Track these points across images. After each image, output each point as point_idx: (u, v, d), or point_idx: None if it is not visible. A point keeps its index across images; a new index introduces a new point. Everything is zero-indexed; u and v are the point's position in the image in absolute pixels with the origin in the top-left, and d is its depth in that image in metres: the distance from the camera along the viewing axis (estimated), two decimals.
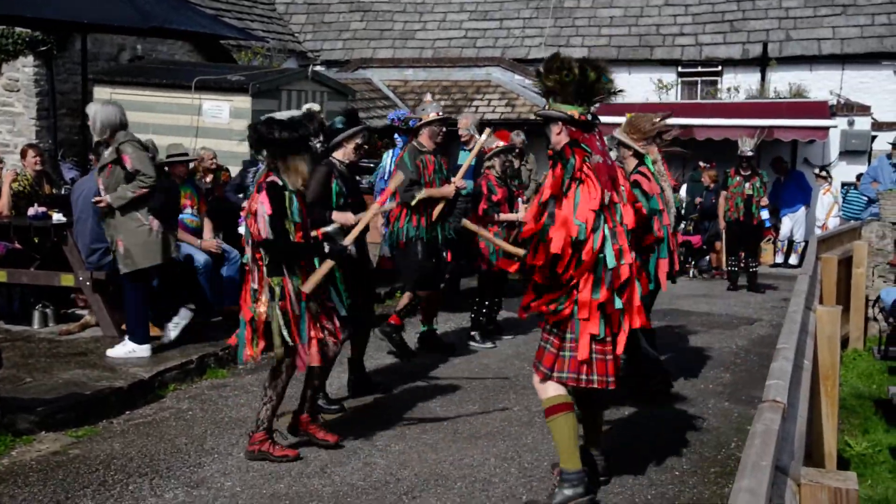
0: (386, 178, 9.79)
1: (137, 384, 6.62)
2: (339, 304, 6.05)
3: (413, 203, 7.55)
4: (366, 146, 6.81)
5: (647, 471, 5.55)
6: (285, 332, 5.27)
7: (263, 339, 5.32)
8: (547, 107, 4.89)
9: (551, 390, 4.84)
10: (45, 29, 11.36)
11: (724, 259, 13.48)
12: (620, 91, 5.02)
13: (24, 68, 12.06)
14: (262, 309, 5.27)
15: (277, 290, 5.26)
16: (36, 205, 8.09)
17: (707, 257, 14.50)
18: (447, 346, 8.28)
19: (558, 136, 4.84)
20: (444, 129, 8.01)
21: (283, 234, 5.23)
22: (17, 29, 11.79)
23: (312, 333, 5.38)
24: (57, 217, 7.80)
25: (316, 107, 10.12)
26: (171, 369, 6.99)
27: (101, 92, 11.50)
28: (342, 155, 6.54)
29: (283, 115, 5.44)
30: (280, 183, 5.29)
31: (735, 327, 10.05)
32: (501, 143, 8.53)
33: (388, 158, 10.35)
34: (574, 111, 4.79)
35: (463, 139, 9.47)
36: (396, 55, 19.07)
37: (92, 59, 12.49)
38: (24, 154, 9.33)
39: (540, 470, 5.48)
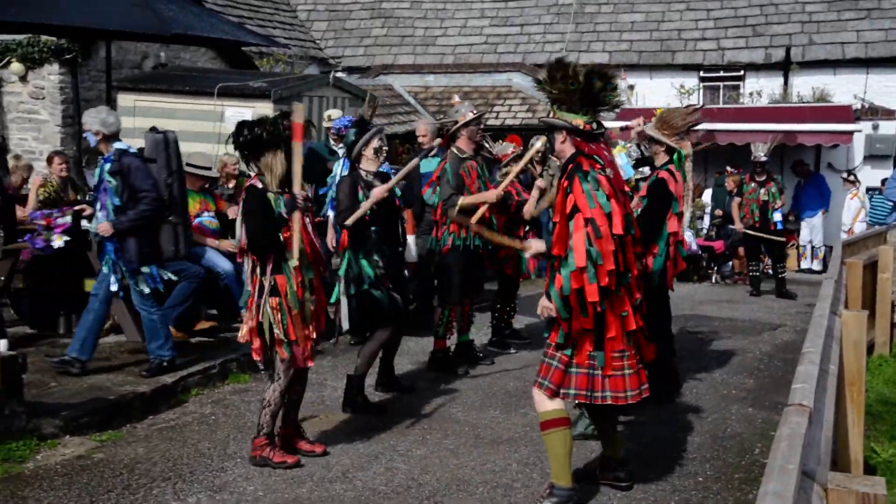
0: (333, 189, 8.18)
1: (160, 389, 6.66)
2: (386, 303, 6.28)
3: (453, 217, 7.32)
4: (386, 149, 6.73)
5: (670, 477, 5.52)
6: (278, 330, 5.25)
7: (259, 338, 5.31)
8: (552, 114, 4.80)
9: (549, 404, 4.77)
10: (70, 36, 11.48)
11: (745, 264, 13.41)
12: (622, 102, 4.99)
13: (50, 76, 12.21)
14: (253, 310, 5.27)
15: (267, 287, 5.26)
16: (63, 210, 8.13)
17: (730, 263, 14.42)
18: (484, 357, 8.15)
19: (562, 145, 4.77)
20: (481, 127, 7.84)
21: (259, 230, 5.18)
22: (43, 37, 11.93)
23: (307, 333, 5.39)
24: (82, 223, 7.83)
25: (337, 112, 10.19)
26: (194, 374, 7.03)
27: (124, 99, 11.60)
28: (366, 164, 6.54)
29: (254, 116, 5.45)
30: (260, 185, 5.30)
31: (758, 332, 9.98)
32: (511, 148, 8.46)
33: (337, 168, 8.63)
34: (579, 120, 4.71)
35: (424, 146, 8.74)
36: (417, 61, 19.11)
37: (116, 66, 12.61)
38: (49, 161, 9.43)
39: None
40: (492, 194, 7.36)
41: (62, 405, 6.10)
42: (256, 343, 5.33)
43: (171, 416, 6.43)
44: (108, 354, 7.33)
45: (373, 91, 15.06)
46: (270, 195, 5.29)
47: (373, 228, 6.42)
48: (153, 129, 7.05)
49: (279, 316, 5.26)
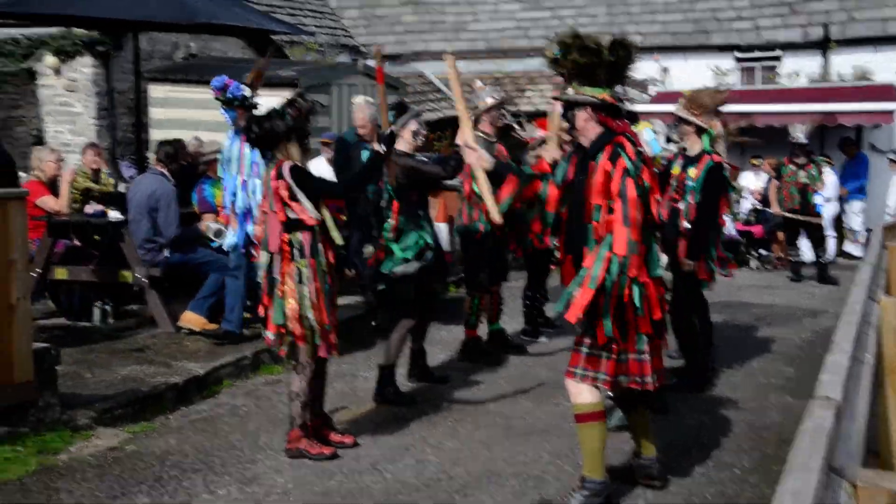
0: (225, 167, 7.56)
1: (192, 380, 6.67)
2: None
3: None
4: (423, 132, 6.67)
5: (706, 468, 5.43)
6: (311, 315, 5.22)
7: (300, 325, 5.27)
8: (570, 90, 4.56)
9: (587, 396, 4.64)
10: (96, 28, 11.54)
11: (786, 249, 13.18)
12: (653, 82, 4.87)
13: (83, 69, 12.30)
14: (290, 299, 5.23)
15: (306, 271, 5.23)
16: (93, 202, 8.20)
17: (769, 248, 14.19)
18: (516, 346, 8.07)
19: (585, 123, 4.55)
20: (504, 112, 7.80)
21: (332, 183, 5.28)
22: (76, 30, 12.01)
23: (333, 320, 5.37)
24: (113, 214, 7.89)
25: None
26: (226, 365, 7.03)
27: (155, 90, 11.65)
28: (404, 146, 6.51)
29: (264, 110, 5.42)
30: (299, 163, 5.31)
31: (798, 319, 9.80)
32: (540, 132, 8.35)
33: (228, 143, 7.62)
34: (604, 94, 4.50)
35: (364, 139, 8.57)
36: (449, 47, 18.95)
37: (147, 57, 12.67)
38: (83, 153, 9.49)
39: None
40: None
41: (96, 397, 6.13)
42: (299, 330, 5.29)
43: (204, 408, 6.45)
44: (142, 345, 7.36)
45: (403, 77, 15.01)
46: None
47: (420, 212, 6.46)
48: None
49: (315, 302, 5.24)
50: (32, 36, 12.23)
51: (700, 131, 6.88)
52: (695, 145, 6.94)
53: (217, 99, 7.39)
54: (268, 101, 10.96)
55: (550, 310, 9.01)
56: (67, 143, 12.16)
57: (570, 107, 4.63)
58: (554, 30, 18.85)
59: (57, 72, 12.29)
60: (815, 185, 12.33)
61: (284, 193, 5.22)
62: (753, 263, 13.85)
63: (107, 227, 7.86)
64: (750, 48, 17.46)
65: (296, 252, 5.24)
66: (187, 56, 13.51)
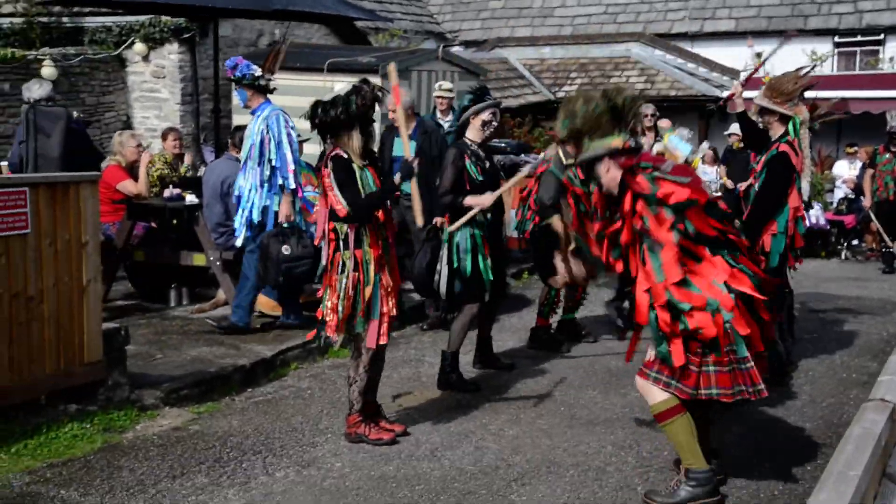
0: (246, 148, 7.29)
1: (260, 362, 6.74)
2: (485, 275, 6.27)
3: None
4: (495, 124, 6.57)
5: (777, 465, 5.21)
6: (342, 307, 5.17)
7: (336, 315, 5.22)
8: (584, 151, 4.53)
9: (659, 395, 4.53)
10: (183, 15, 11.75)
11: (878, 240, 12.64)
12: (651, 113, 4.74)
13: (170, 55, 12.54)
14: (332, 288, 5.21)
15: (350, 262, 5.19)
16: (171, 186, 8.34)
17: (861, 238, 13.64)
18: (585, 334, 7.91)
19: (609, 174, 4.48)
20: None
21: (357, 195, 5.14)
22: (163, 18, 12.26)
23: (385, 309, 5.30)
24: (190, 198, 8.01)
25: (448, 84, 10.05)
26: (294, 348, 7.08)
27: None
28: (472, 134, 6.42)
29: (330, 94, 5.31)
30: (345, 156, 5.22)
31: (888, 313, 9.37)
32: None
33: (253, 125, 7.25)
34: (616, 140, 4.45)
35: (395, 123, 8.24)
36: (535, 33, 18.79)
37: (232, 44, 12.86)
38: (164, 137, 9.68)
39: (659, 460, 5.22)
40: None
41: (165, 377, 6.24)
42: (333, 320, 5.26)
43: (269, 390, 6.50)
44: (212, 328, 7.45)
45: (486, 64, 14.89)
46: (355, 166, 5.23)
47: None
48: None
49: (360, 292, 5.21)
50: (123, 24, 12.50)
51: (784, 119, 6.62)
52: (777, 133, 6.68)
53: (229, 79, 7.37)
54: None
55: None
56: (153, 128, 12.42)
57: (591, 167, 4.56)
58: (643, 15, 18.50)
59: (145, 58, 12.56)
60: None
61: (327, 182, 5.19)
62: (844, 254, 13.33)
63: (183, 210, 7.99)
64: (850, 32, 16.79)
65: (341, 242, 5.22)
66: (272, 43, 13.63)
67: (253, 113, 7.20)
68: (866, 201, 12.43)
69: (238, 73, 7.09)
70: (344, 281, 5.18)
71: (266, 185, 7.06)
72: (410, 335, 7.98)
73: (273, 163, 7.03)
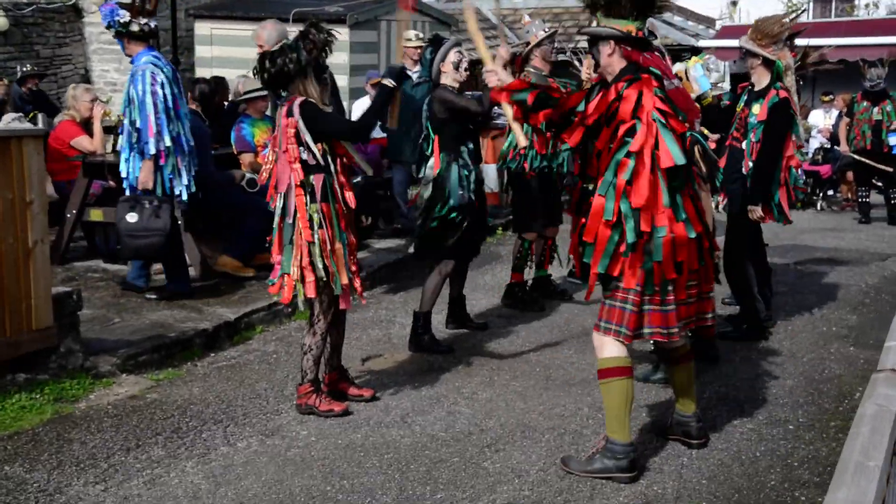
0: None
1: (223, 325, 6.47)
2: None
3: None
4: (466, 61, 6.25)
5: (757, 424, 5.06)
6: (319, 264, 4.89)
7: (313, 273, 4.92)
8: (594, 23, 4.25)
9: (610, 350, 4.31)
10: None
11: (854, 190, 12.51)
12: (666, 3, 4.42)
13: None
14: (300, 246, 4.91)
15: (317, 217, 4.90)
16: None
17: (837, 188, 13.50)
18: (560, 292, 7.67)
19: (609, 59, 4.22)
20: (555, 46, 7.39)
21: (346, 119, 4.99)
22: None
23: (354, 268, 5.04)
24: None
25: (413, 33, 9.72)
26: (259, 310, 6.80)
27: (200, 27, 11.40)
28: (446, 80, 6.17)
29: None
30: (310, 100, 4.95)
31: (865, 264, 9.24)
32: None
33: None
34: (630, 26, 4.17)
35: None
36: None
37: None
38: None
39: (637, 422, 5.03)
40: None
41: (122, 342, 5.95)
42: (311, 278, 4.97)
43: (233, 354, 6.23)
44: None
45: (457, 14, 14.47)
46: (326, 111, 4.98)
47: (462, 148, 6.13)
48: None
49: (327, 250, 4.93)
50: None
51: (768, 64, 6.39)
52: (762, 79, 6.46)
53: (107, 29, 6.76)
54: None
55: None
56: (113, 81, 12.02)
57: (594, 42, 4.28)
58: None
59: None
60: (890, 122, 11.58)
61: (292, 132, 4.88)
62: (819, 204, 13.19)
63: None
64: None
65: (307, 196, 4.92)
66: None
67: (132, 62, 6.67)
68: (842, 148, 12.26)
69: (104, 22, 6.53)
70: (315, 237, 4.89)
71: (136, 148, 6.54)
72: (381, 295, 7.73)
73: (137, 124, 6.46)
